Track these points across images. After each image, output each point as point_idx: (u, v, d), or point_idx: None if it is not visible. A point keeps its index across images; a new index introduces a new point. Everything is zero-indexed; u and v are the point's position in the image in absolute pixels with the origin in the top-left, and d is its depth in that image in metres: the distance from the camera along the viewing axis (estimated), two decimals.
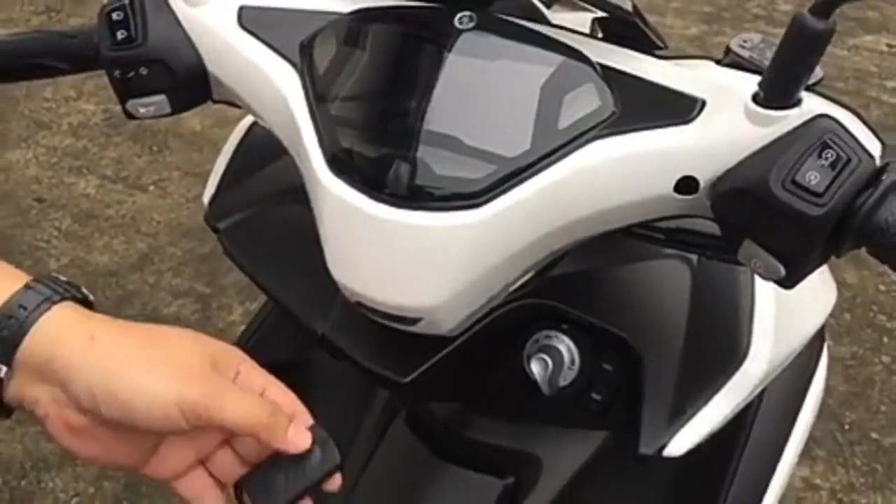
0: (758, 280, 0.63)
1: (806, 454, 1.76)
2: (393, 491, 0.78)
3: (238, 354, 0.53)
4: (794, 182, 0.46)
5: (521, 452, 0.70)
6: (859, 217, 0.46)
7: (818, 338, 0.83)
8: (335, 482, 0.52)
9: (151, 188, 2.40)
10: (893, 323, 2.04)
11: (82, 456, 0.50)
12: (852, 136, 0.46)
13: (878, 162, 0.46)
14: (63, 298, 0.50)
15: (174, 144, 2.54)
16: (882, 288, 2.12)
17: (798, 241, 0.47)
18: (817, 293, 0.71)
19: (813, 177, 0.45)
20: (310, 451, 0.51)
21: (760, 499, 0.78)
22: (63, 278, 0.51)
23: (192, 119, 2.62)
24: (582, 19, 0.68)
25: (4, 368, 0.47)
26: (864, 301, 2.09)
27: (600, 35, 0.63)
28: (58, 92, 2.76)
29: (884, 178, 0.46)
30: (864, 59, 2.94)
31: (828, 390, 1.87)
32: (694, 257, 0.66)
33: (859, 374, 1.92)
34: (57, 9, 3.16)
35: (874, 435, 1.81)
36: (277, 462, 0.51)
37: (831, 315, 2.21)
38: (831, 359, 2.04)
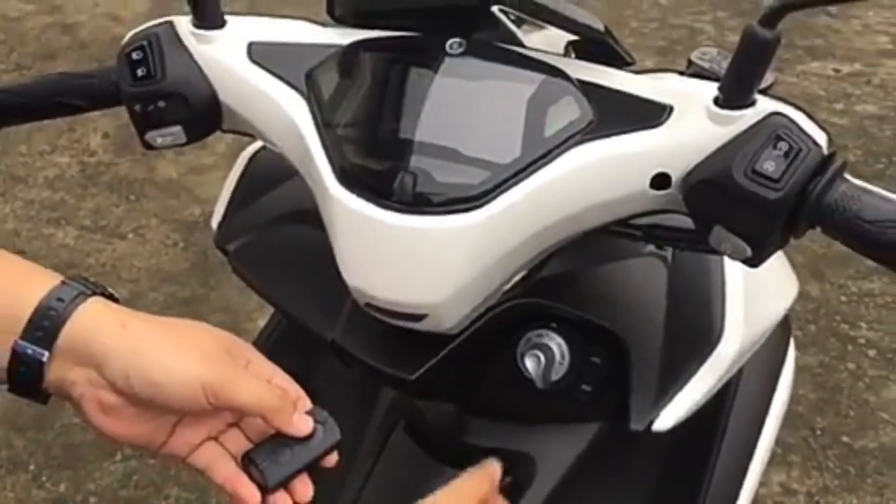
0: (727, 271, 0.70)
1: (781, 460, 1.83)
2: (396, 496, 0.82)
3: (247, 346, 0.59)
4: (754, 171, 0.52)
5: (516, 453, 0.75)
6: (812, 199, 0.52)
7: (785, 325, 0.89)
8: (333, 458, 0.58)
9: (130, 236, 2.44)
10: (856, 332, 2.12)
11: (110, 434, 0.55)
12: (802, 129, 0.53)
13: (825, 150, 0.53)
14: (94, 293, 0.55)
15: (151, 192, 2.58)
16: (843, 299, 2.21)
17: (761, 223, 0.54)
18: (780, 283, 0.78)
19: (770, 165, 0.52)
20: (314, 430, 0.56)
21: (741, 481, 0.83)
22: (91, 279, 0.57)
23: (168, 167, 2.67)
24: (553, 40, 0.74)
25: (46, 354, 0.53)
26: (827, 312, 2.17)
27: (573, 56, 0.70)
28: (32, 146, 2.79)
29: (832, 164, 0.53)
30: (813, 84, 3.06)
31: (798, 398, 1.96)
32: (669, 254, 0.72)
33: (827, 382, 2.00)
34: (28, 66, 3.20)
35: (845, 439, 1.87)
36: (283, 438, 0.56)
37: (798, 327, 2.28)
38: (799, 368, 2.11)
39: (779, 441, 1.83)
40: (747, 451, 0.85)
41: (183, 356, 0.54)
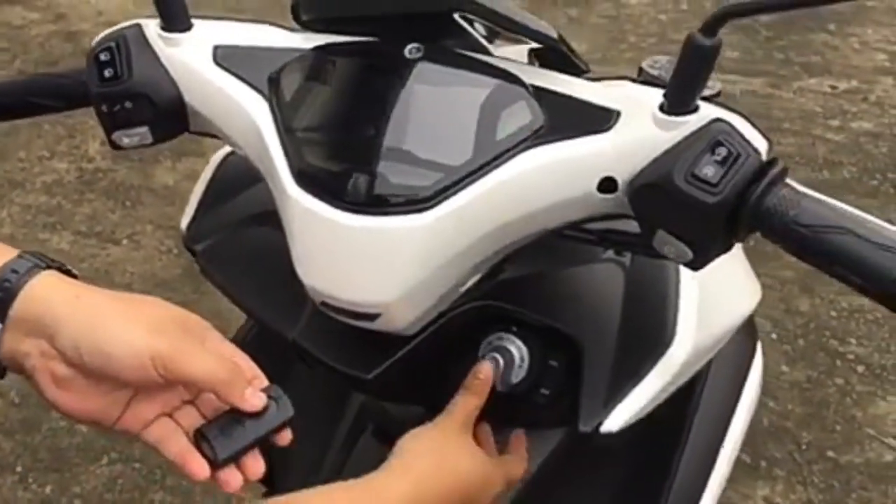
0: (683, 276, 0.71)
1: (766, 474, 1.83)
2: None
3: (205, 324, 0.59)
4: (693, 175, 0.53)
5: None
6: (750, 204, 0.53)
7: (751, 331, 0.90)
8: (286, 436, 0.58)
9: (125, 242, 2.46)
10: (845, 347, 2.12)
11: (64, 409, 0.56)
12: (742, 136, 0.54)
13: (764, 156, 0.54)
14: (49, 267, 0.56)
15: (147, 199, 2.60)
16: (833, 314, 2.21)
17: (700, 227, 0.55)
18: (741, 287, 0.79)
19: (709, 170, 0.53)
20: (267, 405, 0.57)
21: (703, 487, 0.84)
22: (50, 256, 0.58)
23: (165, 174, 2.69)
24: (521, 52, 0.76)
25: None
26: (817, 327, 2.17)
27: (537, 64, 0.71)
28: (31, 152, 2.82)
29: (771, 170, 0.54)
30: (809, 101, 3.08)
31: (785, 413, 1.96)
32: (627, 259, 0.73)
33: (814, 397, 2.00)
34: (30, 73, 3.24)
35: (830, 454, 1.88)
36: (236, 413, 0.56)
37: (787, 341, 2.26)
38: (787, 383, 2.11)
39: (764, 455, 1.85)
40: (710, 457, 0.85)
41: (133, 327, 0.54)
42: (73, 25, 3.58)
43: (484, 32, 0.72)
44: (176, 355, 0.54)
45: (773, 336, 2.14)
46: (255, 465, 0.57)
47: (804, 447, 1.89)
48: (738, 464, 1.91)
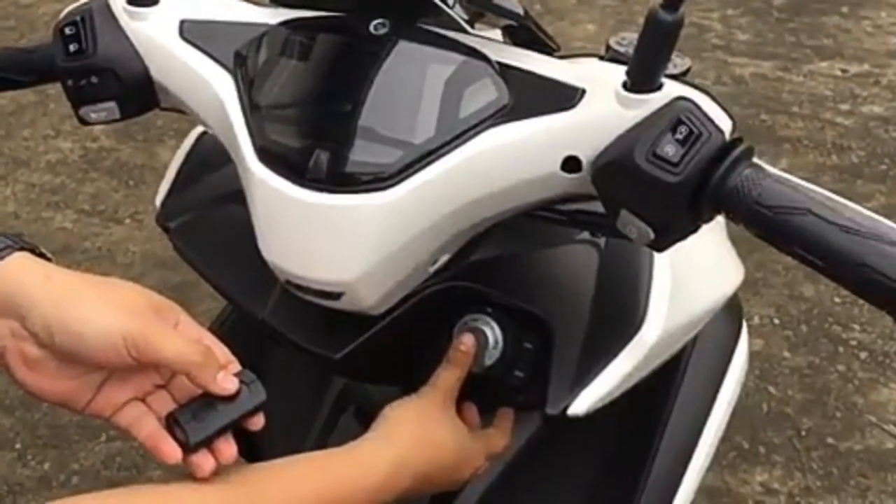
0: (657, 259, 0.70)
1: (765, 460, 1.82)
2: None
3: (178, 308, 0.59)
4: (654, 154, 0.52)
5: None
6: (712, 184, 0.52)
7: (735, 314, 0.89)
8: (258, 421, 0.58)
9: (128, 221, 2.46)
10: (848, 333, 2.10)
11: (34, 391, 0.55)
12: (705, 114, 0.53)
13: (727, 136, 0.53)
14: (23, 249, 0.56)
15: (150, 179, 2.60)
16: (837, 300, 2.19)
17: (661, 207, 0.53)
18: (720, 269, 0.78)
19: (670, 149, 0.52)
20: (239, 390, 0.56)
21: (682, 471, 0.83)
22: (24, 238, 0.58)
23: (169, 154, 2.68)
24: (495, 32, 0.75)
25: None
26: (820, 313, 2.15)
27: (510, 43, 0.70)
28: (37, 131, 2.82)
29: (734, 150, 0.53)
30: (819, 84, 3.04)
31: (785, 399, 1.94)
32: (602, 241, 0.72)
33: (816, 383, 1.98)
34: None
35: (830, 440, 1.86)
36: (208, 398, 0.56)
37: (789, 327, 2.24)
38: (789, 369, 2.09)
39: (763, 441, 1.84)
40: (692, 439, 0.84)
41: (105, 308, 0.54)
42: None
43: (465, 15, 0.71)
44: (148, 336, 0.53)
45: (776, 321, 2.12)
46: (228, 449, 0.56)
47: (804, 433, 1.87)
48: (736, 449, 1.89)
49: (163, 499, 0.53)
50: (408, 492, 0.64)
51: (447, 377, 0.70)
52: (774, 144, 2.71)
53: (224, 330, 0.94)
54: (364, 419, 0.85)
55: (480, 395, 0.74)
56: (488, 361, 0.71)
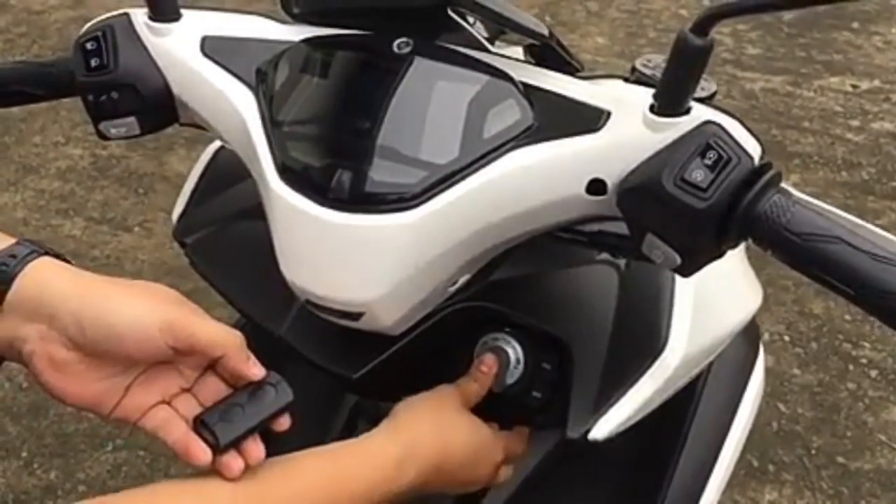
0: (678, 281, 0.69)
1: (774, 478, 1.80)
2: None
3: (201, 310, 0.58)
4: (682, 179, 0.52)
5: None
6: (741, 210, 0.52)
7: (752, 336, 0.88)
8: (285, 422, 0.57)
9: (136, 229, 2.46)
10: (858, 351, 2.09)
11: (60, 395, 0.55)
12: (734, 139, 0.53)
13: (756, 161, 0.53)
14: (47, 254, 0.56)
15: (160, 187, 2.60)
16: (848, 318, 2.17)
17: (689, 232, 0.53)
18: (739, 293, 0.77)
19: (698, 174, 0.51)
20: (265, 391, 0.56)
21: (699, 495, 0.82)
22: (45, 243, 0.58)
23: (179, 163, 2.69)
24: (517, 50, 0.74)
25: None
26: (830, 330, 2.14)
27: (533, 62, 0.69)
28: (47, 137, 2.83)
29: (763, 175, 0.52)
30: (830, 100, 3.03)
31: (795, 417, 1.93)
32: (622, 263, 0.72)
33: (826, 401, 1.97)
34: None
35: (840, 459, 1.85)
36: (235, 399, 0.56)
37: (799, 345, 2.22)
38: (798, 386, 2.08)
39: (772, 459, 1.83)
40: (709, 462, 0.84)
41: (137, 300, 0.54)
42: (92, 12, 3.58)
43: (485, 32, 0.70)
44: (184, 321, 0.54)
45: (786, 338, 2.11)
46: (256, 449, 0.56)
47: (814, 452, 1.86)
48: (745, 467, 1.88)
49: (177, 495, 0.54)
50: (422, 486, 0.64)
51: (466, 387, 0.71)
52: (785, 160, 2.70)
53: None
54: None
55: (497, 414, 0.74)
56: (510, 380, 0.71)
